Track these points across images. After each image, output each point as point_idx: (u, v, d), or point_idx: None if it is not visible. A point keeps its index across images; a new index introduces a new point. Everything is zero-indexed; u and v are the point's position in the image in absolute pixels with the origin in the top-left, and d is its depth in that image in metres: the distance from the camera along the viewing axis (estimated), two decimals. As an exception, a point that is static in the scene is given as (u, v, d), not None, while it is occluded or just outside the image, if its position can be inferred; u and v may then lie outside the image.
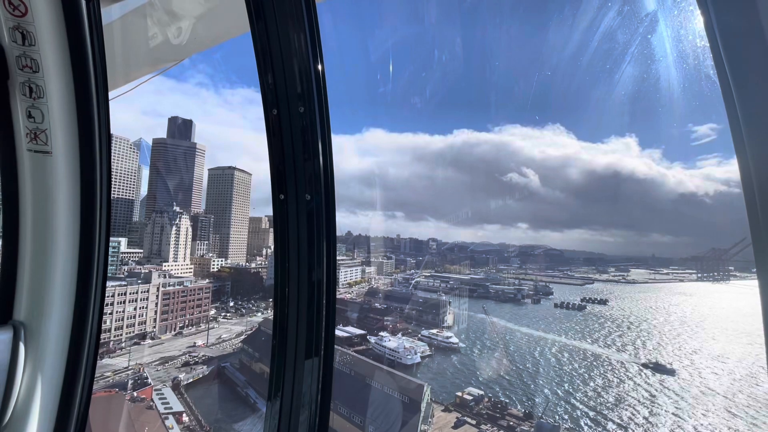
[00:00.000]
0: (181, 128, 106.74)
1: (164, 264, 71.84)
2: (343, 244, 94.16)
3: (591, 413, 38.76)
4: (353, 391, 37.50)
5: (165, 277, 62.55)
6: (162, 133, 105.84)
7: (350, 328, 58.57)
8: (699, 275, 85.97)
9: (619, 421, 37.47)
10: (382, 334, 56.12)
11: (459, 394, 41.47)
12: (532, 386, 43.84)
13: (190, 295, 62.37)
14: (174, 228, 76.99)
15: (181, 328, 60.28)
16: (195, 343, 56.61)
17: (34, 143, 2.09)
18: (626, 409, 39.13)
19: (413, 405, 35.05)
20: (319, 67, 2.51)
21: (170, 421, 36.80)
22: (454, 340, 55.97)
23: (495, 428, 36.47)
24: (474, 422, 37.32)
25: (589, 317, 65.32)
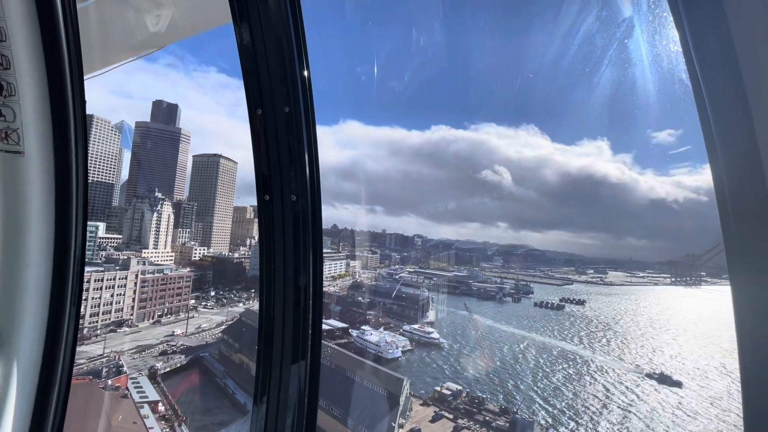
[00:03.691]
0: (165, 113, 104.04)
1: (144, 251, 70.26)
2: (329, 237, 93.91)
3: (560, 406, 39.97)
4: (333, 383, 37.68)
5: (144, 264, 61.22)
6: (128, 114, 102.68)
7: (332, 321, 58.64)
8: (673, 279, 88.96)
9: (578, 409, 38.89)
10: (364, 327, 56.43)
11: (437, 388, 42.11)
12: (510, 383, 44.84)
13: (170, 284, 61.30)
14: (155, 214, 75.29)
15: (160, 316, 59.26)
16: (173, 332, 55.78)
17: (5, 143, 1.99)
18: (586, 402, 40.59)
19: (392, 399, 35.44)
20: (305, 71, 2.44)
21: (145, 410, 36.32)
22: (435, 335, 56.66)
23: (471, 422, 37.20)
24: (451, 416, 38.01)
25: (567, 317, 67.06)
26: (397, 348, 51.81)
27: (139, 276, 57.26)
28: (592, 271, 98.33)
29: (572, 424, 37.27)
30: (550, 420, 38.11)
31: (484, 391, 42.65)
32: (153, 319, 58.40)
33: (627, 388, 43.29)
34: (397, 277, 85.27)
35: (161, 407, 38.34)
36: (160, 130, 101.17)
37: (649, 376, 45.51)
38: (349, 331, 56.04)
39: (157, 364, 46.13)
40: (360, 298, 70.32)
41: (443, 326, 61.96)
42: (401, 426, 35.29)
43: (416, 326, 58.97)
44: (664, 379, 44.00)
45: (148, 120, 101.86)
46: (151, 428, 34.24)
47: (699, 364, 47.97)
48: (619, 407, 39.76)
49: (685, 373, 45.48)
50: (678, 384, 43.32)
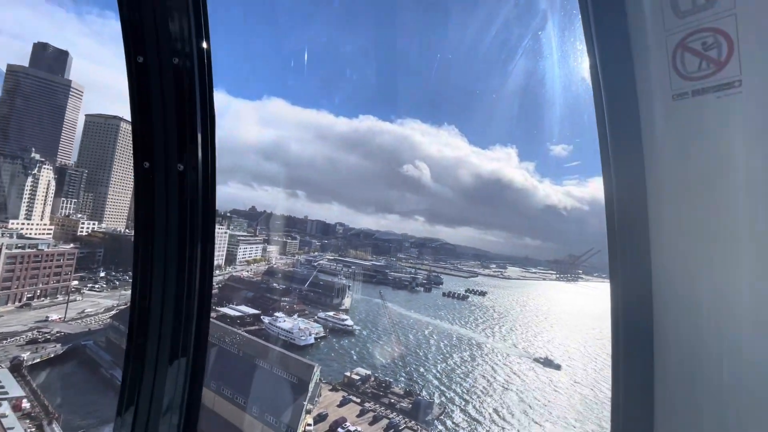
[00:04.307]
0: (51, 59, 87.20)
1: (12, 221, 58.82)
2: (245, 220, 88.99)
3: (461, 388, 44.14)
4: (239, 371, 36.31)
5: (11, 236, 51.35)
6: None
7: (243, 308, 56.12)
8: (557, 276, 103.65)
9: (475, 389, 43.57)
10: (277, 314, 55.05)
11: (347, 374, 43.21)
12: (415, 367, 47.94)
13: (47, 261, 52.37)
14: (30, 178, 63.20)
15: (30, 298, 50.48)
16: (48, 317, 47.97)
17: None
18: (480, 382, 45.70)
19: (301, 385, 35.42)
20: (202, 17, 2.04)
21: (3, 408, 30.92)
22: (350, 322, 57.77)
23: (377, 405, 38.99)
24: (359, 400, 39.35)
25: (470, 306, 73.94)
26: (310, 335, 51.69)
27: (4, 251, 47.86)
28: (494, 266, 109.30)
29: (469, 403, 41.36)
30: (448, 399, 41.78)
31: (391, 376, 44.95)
32: (21, 301, 49.53)
33: (512, 370, 49.44)
34: (315, 264, 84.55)
35: (26, 404, 32.95)
36: (43, 79, 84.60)
37: (528, 357, 52.59)
38: (261, 317, 54.22)
39: (23, 355, 39.34)
40: (275, 284, 68.32)
41: (358, 314, 63.49)
42: (309, 412, 35.56)
43: (331, 313, 59.42)
44: (546, 362, 51.11)
45: (26, 65, 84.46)
46: (11, 429, 29.30)
47: (568, 347, 56.89)
48: (501, 385, 45.26)
49: (556, 354, 53.58)
50: (549, 363, 50.74)
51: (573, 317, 71.45)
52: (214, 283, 64.45)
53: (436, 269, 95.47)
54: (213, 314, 51.39)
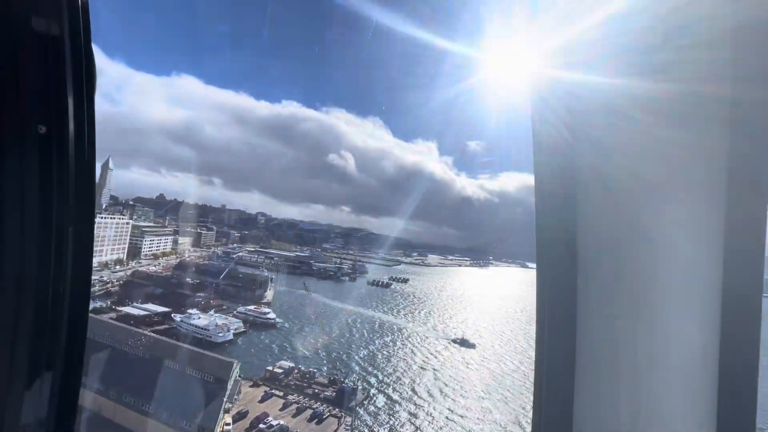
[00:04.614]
0: None
1: None
2: (152, 209, 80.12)
3: (383, 372, 46.03)
4: (145, 376, 33.23)
5: None
6: None
7: (150, 306, 51.02)
8: (471, 262, 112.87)
9: (398, 373, 45.97)
10: (190, 311, 51.16)
11: (269, 368, 42.19)
12: (338, 355, 48.65)
13: None
14: None
15: None
16: None
17: None
18: (402, 366, 48.37)
19: (219, 384, 33.77)
20: None
21: None
22: (272, 315, 56.11)
23: (301, 397, 38.87)
24: (281, 394, 38.79)
25: (393, 293, 77.02)
26: (228, 331, 49.13)
27: None
28: (416, 254, 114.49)
29: (390, 386, 43.34)
30: (370, 384, 43.31)
31: (316, 366, 45.04)
32: None
33: (429, 351, 52.97)
34: (234, 256, 79.90)
35: None
36: None
37: (446, 338, 56.86)
38: (172, 315, 49.91)
39: None
40: (188, 279, 63.14)
41: (281, 306, 61.98)
42: (227, 410, 34.10)
43: (252, 307, 57.05)
44: (462, 342, 55.50)
45: None
46: None
47: (479, 328, 62.71)
48: (421, 366, 48.35)
49: (469, 334, 58.77)
50: (465, 342, 55.44)
51: (483, 299, 78.93)
52: (115, 280, 57.36)
53: (361, 259, 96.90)
54: (112, 315, 45.90)
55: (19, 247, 1.71)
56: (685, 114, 1.51)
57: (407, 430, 36.30)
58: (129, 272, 61.50)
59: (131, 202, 76.97)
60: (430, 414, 38.87)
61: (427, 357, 50.35)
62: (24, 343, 1.75)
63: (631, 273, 1.61)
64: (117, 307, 48.66)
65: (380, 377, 44.58)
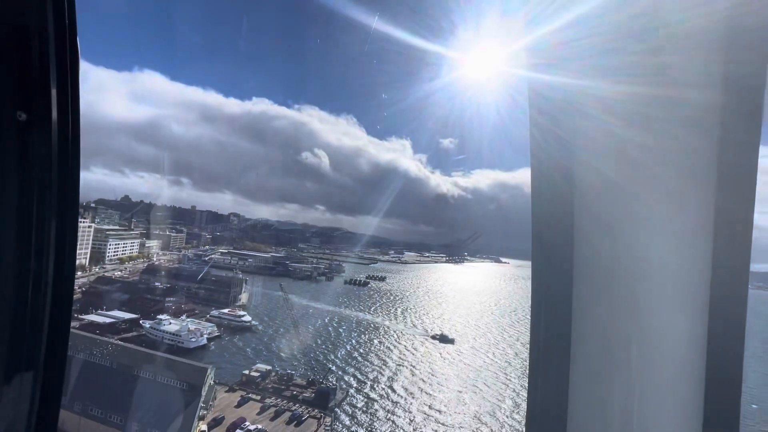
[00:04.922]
0: None
1: None
2: (117, 211, 76.53)
3: (361, 371, 46.04)
4: (113, 386, 31.77)
5: None
6: None
7: (116, 313, 48.80)
8: (447, 258, 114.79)
9: (375, 370, 46.19)
10: (160, 317, 49.28)
11: (246, 372, 41.31)
12: (316, 355, 48.27)
13: None
14: None
15: None
16: None
17: None
18: (379, 361, 48.66)
19: (193, 390, 32.74)
20: None
21: None
22: (247, 318, 55.00)
23: (279, 399, 38.30)
24: (258, 397, 38.07)
25: (370, 291, 77.20)
26: (202, 336, 47.73)
27: None
28: (393, 252, 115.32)
29: (368, 384, 43.41)
30: (348, 384, 43.24)
31: (293, 368, 44.49)
32: None
33: (407, 348, 53.49)
34: (206, 258, 77.68)
35: None
36: None
37: (425, 335, 57.63)
38: (141, 322, 47.92)
39: None
40: (157, 284, 60.79)
41: (256, 308, 60.84)
42: (202, 418, 33.16)
43: (226, 310, 55.67)
44: (441, 338, 56.32)
45: None
46: None
47: (455, 321, 63.98)
48: (398, 364, 48.77)
49: (445, 329, 59.84)
50: (444, 338, 56.33)
51: (459, 293, 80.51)
52: (76, 287, 54.43)
53: (338, 258, 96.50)
54: (75, 324, 43.51)
55: None
56: (678, 115, 1.57)
57: (386, 427, 36.51)
58: (92, 278, 58.51)
59: (93, 205, 73.09)
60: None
61: (405, 354, 50.82)
62: (3, 343, 1.70)
63: (625, 271, 1.66)
64: (80, 315, 46.18)
65: (358, 376, 44.63)
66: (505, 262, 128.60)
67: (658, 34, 1.56)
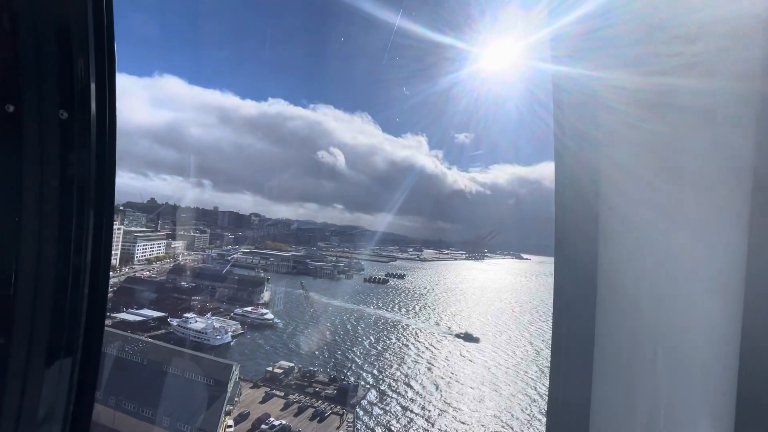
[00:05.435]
0: None
1: None
2: (144, 214, 79.31)
3: (382, 369, 46.23)
4: (144, 382, 33.05)
5: None
6: None
7: (146, 311, 50.63)
8: (466, 255, 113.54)
9: (396, 368, 46.17)
10: (187, 315, 50.86)
11: (269, 368, 42.15)
12: (339, 353, 48.75)
13: None
14: None
15: None
16: None
17: None
18: (401, 360, 48.59)
19: (219, 387, 33.69)
20: None
21: None
22: (270, 316, 56.05)
23: (302, 396, 38.92)
24: (282, 394, 38.79)
25: (390, 289, 77.21)
26: (226, 333, 48.98)
27: None
28: (411, 249, 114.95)
29: (390, 383, 43.53)
30: (372, 381, 43.50)
31: (315, 365, 45.06)
32: None
33: (430, 343, 53.30)
34: (229, 258, 79.52)
35: None
36: None
37: (450, 333, 57.30)
38: (169, 320, 49.60)
39: None
40: (183, 283, 62.72)
41: (278, 306, 61.90)
42: (228, 413, 34.06)
43: (249, 309, 56.91)
44: (466, 337, 55.85)
45: None
46: None
47: (471, 320, 63.16)
48: (427, 361, 48.65)
49: (464, 325, 59.26)
50: (469, 337, 55.83)
51: (479, 291, 79.51)
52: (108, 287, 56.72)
53: (357, 256, 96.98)
54: (107, 322, 45.40)
55: (36, 231, 1.70)
56: (711, 108, 1.49)
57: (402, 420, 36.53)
58: (122, 278, 60.91)
59: (122, 207, 76.09)
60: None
61: (427, 351, 50.63)
62: (43, 330, 1.76)
63: (653, 272, 1.59)
64: (112, 314, 48.19)
65: (383, 373, 44.78)
66: (527, 258, 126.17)
67: (690, 20, 1.45)
